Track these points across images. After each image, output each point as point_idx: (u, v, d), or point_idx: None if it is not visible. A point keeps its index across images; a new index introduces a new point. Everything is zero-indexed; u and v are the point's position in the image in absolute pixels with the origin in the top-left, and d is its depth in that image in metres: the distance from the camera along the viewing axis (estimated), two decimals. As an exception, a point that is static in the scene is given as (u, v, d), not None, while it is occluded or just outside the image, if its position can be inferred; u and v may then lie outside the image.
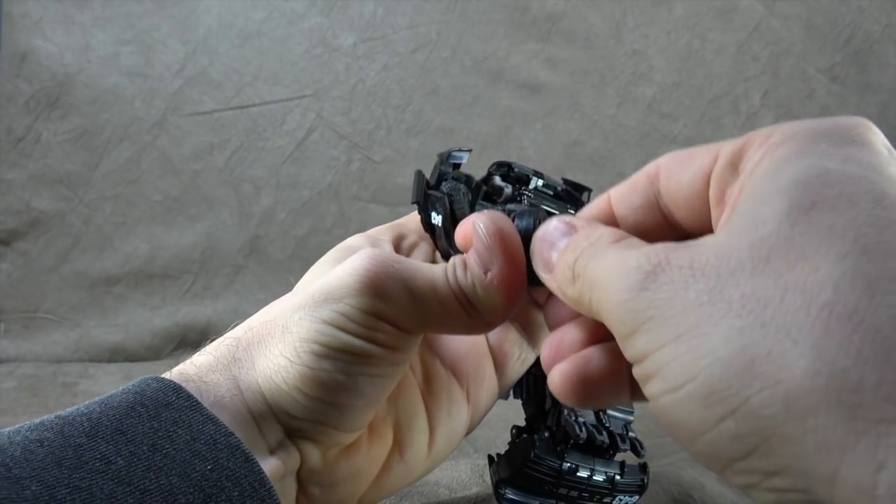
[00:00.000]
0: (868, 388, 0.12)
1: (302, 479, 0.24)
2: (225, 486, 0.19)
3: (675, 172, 0.21)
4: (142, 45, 0.91)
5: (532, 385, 0.36)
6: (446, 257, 0.29)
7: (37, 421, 0.20)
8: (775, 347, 0.13)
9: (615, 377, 0.20)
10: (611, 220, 0.23)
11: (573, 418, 0.33)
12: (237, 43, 0.94)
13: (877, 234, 0.14)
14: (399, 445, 0.27)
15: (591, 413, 0.34)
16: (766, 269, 0.14)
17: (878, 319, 0.13)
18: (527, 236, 0.23)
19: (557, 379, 0.20)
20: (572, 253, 0.20)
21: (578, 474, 0.32)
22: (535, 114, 0.99)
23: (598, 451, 0.33)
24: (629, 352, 0.17)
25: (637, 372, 0.17)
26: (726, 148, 0.19)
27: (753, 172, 0.17)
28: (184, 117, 0.91)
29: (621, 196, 0.23)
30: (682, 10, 1.05)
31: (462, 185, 0.30)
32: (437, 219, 0.29)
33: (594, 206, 0.24)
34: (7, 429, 0.19)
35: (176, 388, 0.21)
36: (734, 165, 0.18)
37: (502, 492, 0.34)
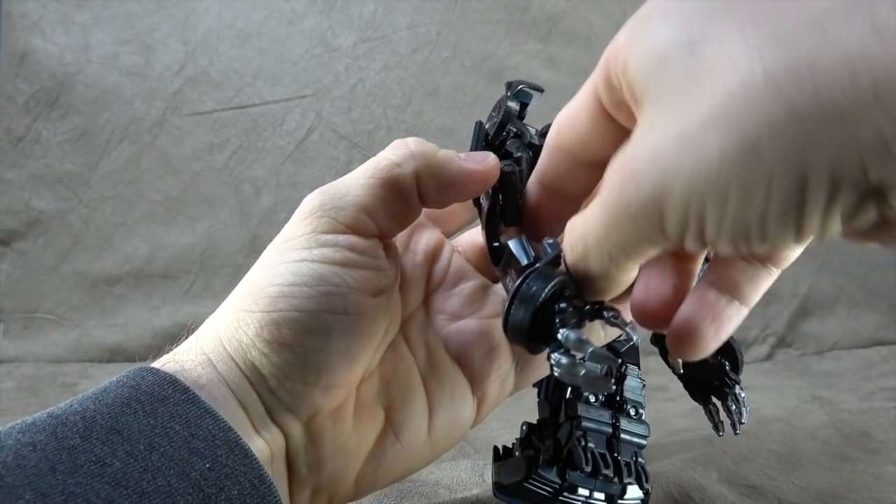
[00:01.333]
0: None
1: (290, 459, 0.23)
2: (224, 485, 0.19)
3: (571, 130, 0.22)
4: (142, 45, 0.91)
5: (551, 389, 0.36)
6: (488, 242, 0.27)
7: (28, 420, 0.19)
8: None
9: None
10: (550, 202, 0.24)
11: (582, 444, 0.33)
12: (237, 43, 0.94)
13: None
14: (392, 425, 0.26)
15: (603, 438, 0.34)
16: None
17: None
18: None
19: (675, 340, 0.21)
20: (570, 253, 0.21)
21: (579, 492, 0.32)
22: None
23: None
24: (669, 230, 0.17)
25: (691, 234, 0.17)
26: (595, 76, 0.20)
27: (634, 70, 0.18)
28: (184, 117, 0.91)
29: (551, 178, 0.24)
30: (682, 11, 1.05)
31: (524, 165, 0.27)
32: (483, 202, 0.27)
33: (530, 193, 0.25)
34: None
35: (172, 381, 0.20)
36: (610, 83, 0.19)
37: (500, 496, 0.35)
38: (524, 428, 0.37)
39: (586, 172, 0.23)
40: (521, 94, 0.30)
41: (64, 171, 0.87)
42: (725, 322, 0.21)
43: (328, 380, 0.23)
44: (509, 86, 0.30)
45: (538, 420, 0.36)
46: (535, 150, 0.28)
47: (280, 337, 0.22)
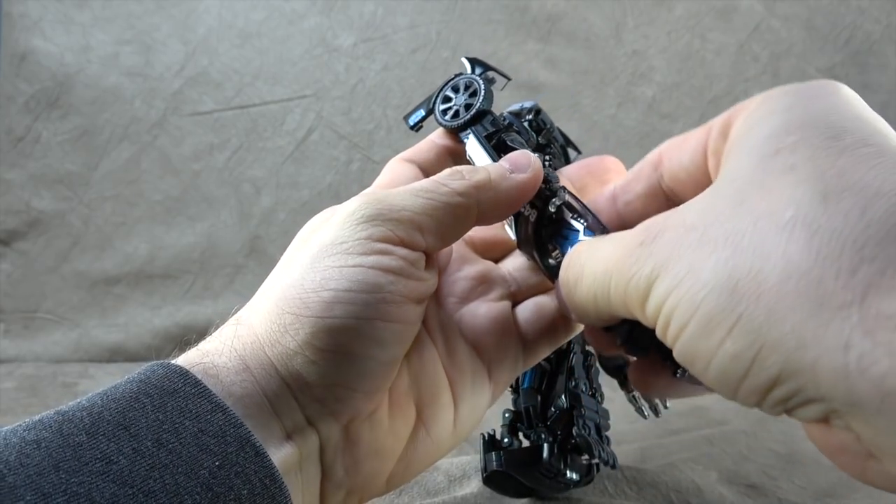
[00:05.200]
0: (828, 281, 0.14)
1: (325, 462, 0.22)
2: (234, 484, 0.18)
3: (675, 154, 0.23)
4: (142, 45, 0.91)
5: (543, 381, 0.36)
6: (540, 257, 0.27)
7: (35, 418, 0.18)
8: (753, 266, 0.15)
9: None
10: (613, 212, 0.25)
11: (587, 432, 0.34)
12: (237, 43, 0.94)
13: (831, 162, 0.16)
14: (423, 420, 0.25)
15: (593, 425, 0.35)
16: (742, 210, 0.16)
17: (832, 222, 0.15)
18: None
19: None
20: (563, 272, 0.22)
21: (567, 476, 0.35)
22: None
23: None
24: (648, 314, 0.18)
25: (659, 332, 0.18)
26: (717, 120, 0.21)
27: (733, 135, 0.19)
28: (184, 117, 0.91)
29: (625, 186, 0.24)
30: (682, 11, 1.05)
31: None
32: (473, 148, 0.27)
33: (599, 199, 0.25)
34: (4, 428, 0.18)
35: (182, 374, 0.20)
36: (724, 135, 0.20)
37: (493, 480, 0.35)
38: (507, 415, 0.37)
39: (658, 203, 0.24)
40: (491, 81, 0.30)
41: (64, 171, 0.87)
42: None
43: (372, 384, 0.22)
44: (474, 64, 0.30)
45: (523, 407, 0.36)
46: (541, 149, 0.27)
47: (333, 345, 0.21)
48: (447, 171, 0.25)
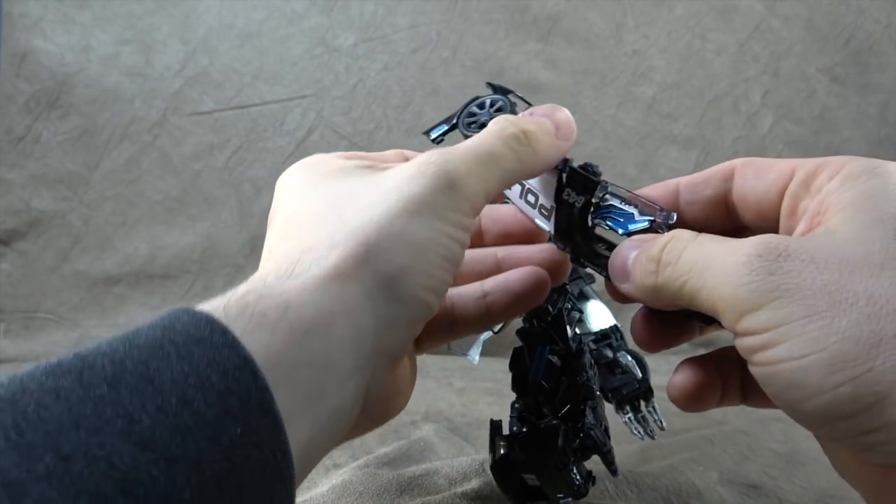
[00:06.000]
0: None
1: (369, 395, 0.23)
2: (251, 455, 0.17)
3: (751, 178, 0.25)
4: (142, 45, 0.91)
5: (552, 375, 0.36)
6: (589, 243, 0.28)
7: (54, 362, 0.17)
8: None
9: (730, 382, 0.25)
10: (673, 205, 0.27)
11: (601, 427, 0.35)
12: (237, 43, 0.94)
13: None
14: (419, 347, 0.28)
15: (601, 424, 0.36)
16: (882, 275, 0.18)
17: None
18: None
19: (679, 389, 0.25)
20: (656, 248, 0.23)
21: (573, 473, 0.35)
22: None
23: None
24: (748, 324, 0.20)
25: (751, 341, 0.20)
26: (802, 168, 0.23)
27: (839, 197, 0.21)
28: (184, 117, 0.91)
29: (692, 185, 0.26)
30: (682, 10, 1.05)
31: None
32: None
33: (659, 187, 0.27)
34: (21, 371, 0.17)
35: (209, 321, 0.18)
36: (807, 185, 0.23)
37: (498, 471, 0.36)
38: (516, 405, 0.37)
39: (720, 213, 0.26)
40: (514, 104, 0.31)
41: (64, 171, 0.87)
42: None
43: (419, 328, 0.24)
44: (497, 89, 0.31)
45: (533, 400, 0.36)
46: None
47: (423, 297, 0.23)
48: (511, 129, 0.26)
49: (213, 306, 0.20)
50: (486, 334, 0.42)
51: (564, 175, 0.28)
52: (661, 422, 0.41)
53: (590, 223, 0.28)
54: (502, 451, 0.35)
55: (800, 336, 0.19)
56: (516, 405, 0.37)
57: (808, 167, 0.23)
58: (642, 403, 0.41)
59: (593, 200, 0.27)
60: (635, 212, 0.26)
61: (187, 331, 0.18)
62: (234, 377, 0.17)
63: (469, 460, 0.44)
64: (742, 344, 0.21)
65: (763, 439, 0.53)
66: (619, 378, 0.41)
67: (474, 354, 0.41)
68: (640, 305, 0.27)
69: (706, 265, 0.21)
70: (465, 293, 0.30)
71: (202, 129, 0.92)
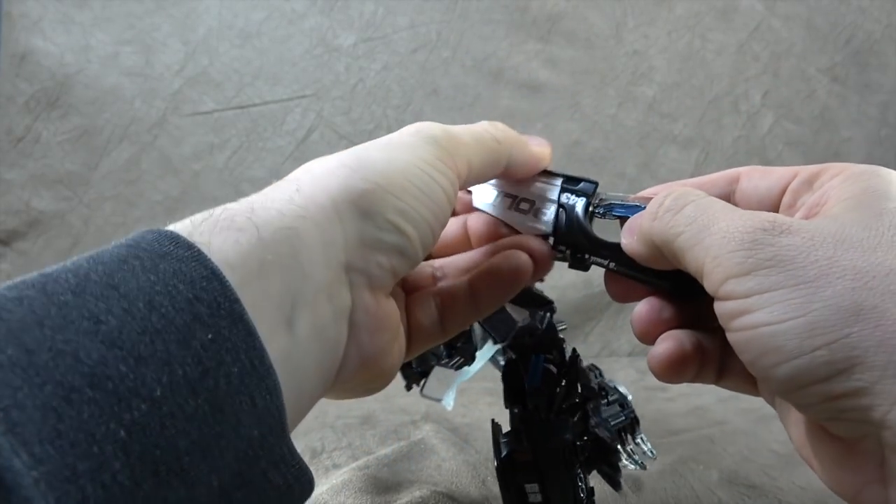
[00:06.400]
0: None
1: (353, 323, 0.23)
2: (224, 360, 0.17)
3: (756, 179, 0.26)
4: (142, 45, 0.91)
5: (549, 382, 0.36)
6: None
7: (17, 279, 0.17)
8: (879, 304, 0.18)
9: (708, 358, 0.25)
10: None
11: (608, 425, 0.35)
12: (237, 43, 0.94)
13: None
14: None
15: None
16: (873, 256, 0.19)
17: None
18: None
19: (658, 358, 0.25)
20: (663, 194, 0.24)
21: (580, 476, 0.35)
22: (535, 114, 0.99)
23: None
24: (732, 288, 0.20)
25: (732, 306, 0.20)
26: (806, 170, 0.25)
27: (841, 191, 0.22)
28: (184, 117, 0.91)
29: (698, 186, 0.27)
30: (682, 10, 1.05)
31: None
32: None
33: (662, 188, 0.28)
34: None
35: (174, 238, 0.18)
36: (809, 183, 0.24)
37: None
38: (516, 411, 0.37)
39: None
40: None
41: (64, 171, 0.87)
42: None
43: (397, 265, 0.24)
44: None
45: (533, 406, 0.36)
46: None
47: (391, 219, 0.23)
48: (487, 122, 0.28)
49: (179, 226, 0.20)
50: (461, 378, 0.42)
51: (561, 180, 0.29)
52: (652, 452, 0.41)
53: (592, 219, 0.28)
54: (505, 451, 0.35)
55: (783, 302, 0.19)
56: (515, 410, 0.37)
57: (811, 169, 0.24)
58: (629, 436, 0.41)
59: (594, 201, 0.28)
60: (639, 203, 0.27)
61: (152, 247, 0.18)
62: (202, 287, 0.17)
63: (469, 461, 0.44)
64: (722, 308, 0.21)
65: (763, 439, 0.53)
66: (606, 409, 0.41)
67: (449, 400, 0.40)
68: (639, 304, 0.27)
69: (707, 224, 0.22)
70: (449, 266, 0.31)
71: (202, 129, 0.92)
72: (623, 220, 0.27)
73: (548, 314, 0.37)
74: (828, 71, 1.08)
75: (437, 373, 0.39)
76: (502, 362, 0.42)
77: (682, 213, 0.23)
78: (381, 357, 0.24)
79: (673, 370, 0.25)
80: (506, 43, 1.00)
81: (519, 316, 0.36)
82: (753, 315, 0.20)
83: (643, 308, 0.27)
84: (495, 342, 0.38)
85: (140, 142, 0.90)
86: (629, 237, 0.26)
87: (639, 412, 0.41)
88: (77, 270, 0.17)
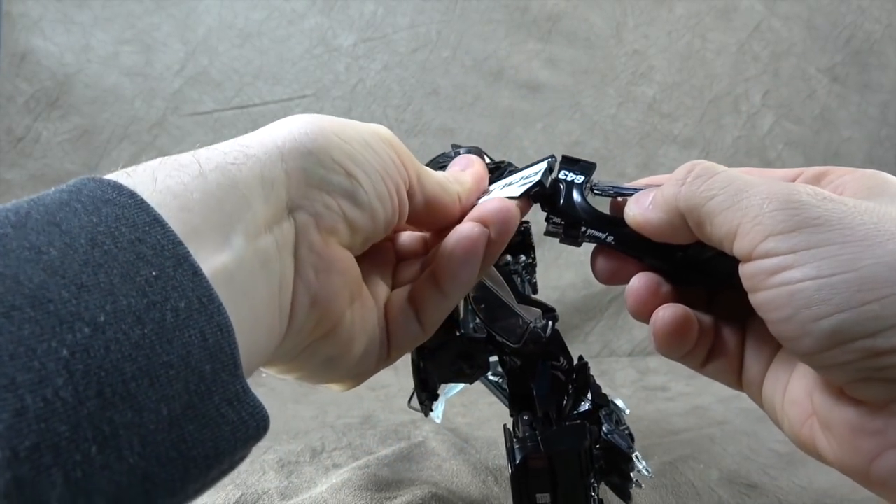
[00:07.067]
0: None
1: (299, 258, 0.23)
2: (170, 296, 0.17)
3: (757, 175, 0.26)
4: (142, 45, 0.91)
5: (557, 389, 0.36)
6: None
7: None
8: None
9: (701, 337, 0.26)
10: None
11: (622, 432, 0.34)
12: (237, 43, 0.94)
13: None
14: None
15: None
16: None
17: None
18: None
19: (663, 321, 0.25)
20: (690, 164, 0.24)
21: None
22: (535, 114, 0.99)
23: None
24: (773, 244, 0.21)
25: (773, 262, 0.20)
26: (808, 170, 0.26)
27: (858, 183, 0.23)
28: (184, 117, 0.91)
29: None
30: (682, 10, 1.05)
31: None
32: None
33: (660, 177, 0.28)
34: None
35: (117, 186, 0.18)
36: (818, 180, 0.25)
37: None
38: (525, 418, 0.36)
39: None
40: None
41: (64, 171, 0.87)
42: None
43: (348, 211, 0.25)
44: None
45: (540, 414, 0.36)
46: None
47: (336, 157, 0.24)
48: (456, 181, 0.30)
49: (127, 170, 0.20)
50: (451, 392, 0.41)
51: (557, 161, 0.30)
52: (647, 469, 0.40)
53: (591, 195, 0.28)
54: (520, 457, 0.33)
55: (831, 258, 0.19)
56: (525, 416, 0.36)
57: (814, 169, 0.25)
58: None
59: (592, 181, 0.29)
60: (636, 188, 0.27)
61: (94, 194, 0.18)
62: (145, 231, 0.17)
63: (469, 461, 0.44)
64: (758, 267, 0.21)
65: (763, 439, 0.53)
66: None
67: (437, 414, 0.40)
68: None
69: (743, 188, 0.22)
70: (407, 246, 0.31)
71: (202, 129, 0.92)
72: (624, 198, 0.27)
73: (550, 322, 0.36)
74: (828, 71, 1.08)
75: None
76: (495, 379, 0.42)
77: (715, 178, 0.23)
78: (333, 301, 0.24)
79: (676, 336, 0.25)
80: (506, 43, 1.00)
81: (531, 316, 0.35)
82: (797, 270, 0.20)
83: (640, 282, 0.26)
84: (501, 356, 0.38)
85: (140, 142, 0.90)
86: (639, 207, 0.26)
87: (639, 412, 0.41)
88: (18, 209, 0.16)
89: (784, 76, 1.06)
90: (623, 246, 0.27)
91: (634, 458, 0.38)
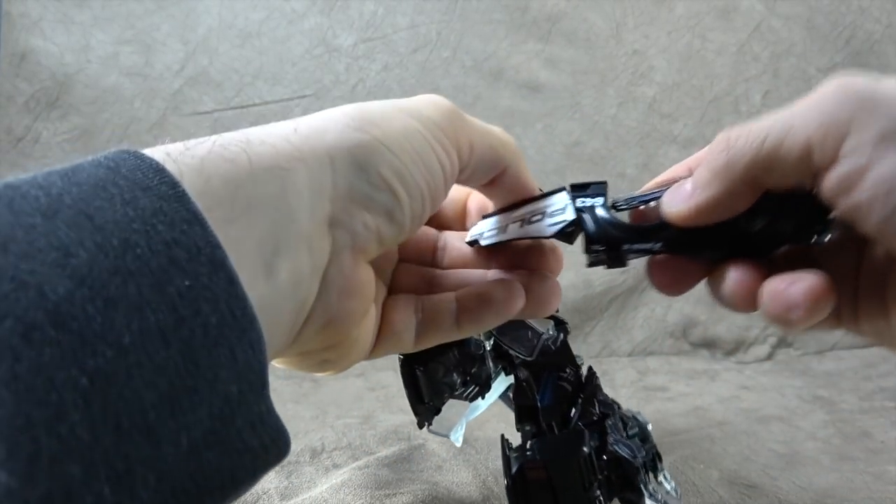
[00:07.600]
0: None
1: (327, 279, 0.21)
2: (202, 310, 0.15)
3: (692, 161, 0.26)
4: (142, 45, 0.91)
5: (553, 400, 0.35)
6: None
7: None
8: None
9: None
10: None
11: (630, 441, 0.34)
12: (237, 43, 0.94)
13: None
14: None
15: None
16: None
17: None
18: None
19: (805, 292, 0.21)
20: (723, 134, 0.23)
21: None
22: (535, 114, 0.99)
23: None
24: (856, 140, 0.19)
25: (858, 160, 0.19)
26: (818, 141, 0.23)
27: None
28: (184, 117, 0.91)
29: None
30: (682, 10, 1.05)
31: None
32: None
33: (669, 171, 0.27)
34: None
35: (159, 170, 0.17)
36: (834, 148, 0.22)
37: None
38: (528, 428, 0.36)
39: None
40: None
41: (64, 171, 0.87)
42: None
43: (384, 231, 0.23)
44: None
45: (545, 424, 0.35)
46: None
47: (385, 174, 0.22)
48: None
49: (170, 148, 0.19)
50: (471, 414, 0.41)
51: (566, 190, 0.28)
52: (676, 491, 0.37)
53: (617, 211, 0.27)
54: (516, 466, 0.32)
55: None
56: (528, 428, 0.36)
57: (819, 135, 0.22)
58: (651, 475, 0.37)
59: (610, 199, 0.27)
60: (653, 191, 0.26)
61: (134, 176, 0.17)
62: (182, 230, 0.16)
63: (469, 461, 0.44)
64: (846, 167, 0.19)
65: (763, 439, 0.53)
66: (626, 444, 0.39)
67: (457, 436, 0.39)
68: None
69: (791, 112, 0.21)
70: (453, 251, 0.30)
71: (202, 129, 0.92)
72: (646, 205, 0.26)
73: (561, 334, 0.36)
74: (828, 71, 1.08)
75: (447, 406, 0.37)
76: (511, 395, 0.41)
77: (755, 127, 0.22)
78: (347, 323, 0.23)
79: (823, 301, 0.20)
80: (506, 43, 1.00)
81: (543, 326, 0.34)
82: (890, 159, 0.18)
83: (738, 273, 0.23)
84: (507, 373, 0.37)
85: (140, 142, 0.90)
86: (682, 197, 0.24)
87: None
88: (49, 188, 0.15)
89: (784, 76, 1.06)
90: (673, 247, 0.25)
91: (663, 479, 0.37)
